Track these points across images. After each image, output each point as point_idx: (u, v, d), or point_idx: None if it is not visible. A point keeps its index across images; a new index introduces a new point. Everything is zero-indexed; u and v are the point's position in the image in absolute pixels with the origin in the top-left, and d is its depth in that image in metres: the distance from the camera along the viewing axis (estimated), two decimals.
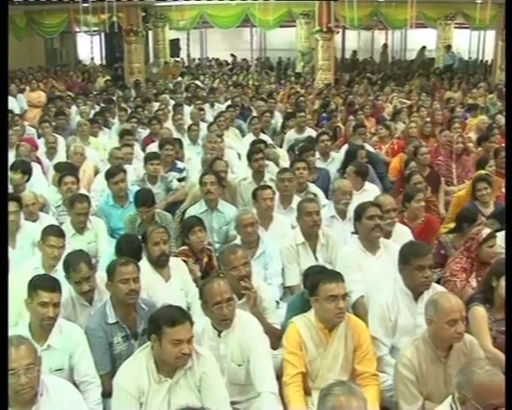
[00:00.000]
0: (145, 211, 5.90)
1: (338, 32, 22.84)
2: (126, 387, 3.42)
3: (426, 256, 4.20)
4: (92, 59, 23.49)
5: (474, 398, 2.91)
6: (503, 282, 4.22)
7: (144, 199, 5.98)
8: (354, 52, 27.48)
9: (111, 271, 4.14)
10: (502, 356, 4.01)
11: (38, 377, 3.19)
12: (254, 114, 11.35)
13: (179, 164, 7.94)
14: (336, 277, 3.94)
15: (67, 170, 6.83)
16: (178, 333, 3.35)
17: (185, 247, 5.46)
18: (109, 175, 6.57)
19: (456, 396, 3.03)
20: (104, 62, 24.41)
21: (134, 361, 3.52)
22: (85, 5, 17.28)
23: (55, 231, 4.92)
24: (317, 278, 3.98)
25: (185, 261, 5.21)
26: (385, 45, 28.06)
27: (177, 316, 3.39)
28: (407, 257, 4.23)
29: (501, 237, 5.63)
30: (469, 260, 5.09)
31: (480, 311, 4.25)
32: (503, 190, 6.86)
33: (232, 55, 27.32)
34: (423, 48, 25.57)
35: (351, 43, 28.05)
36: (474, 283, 5.01)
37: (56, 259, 4.80)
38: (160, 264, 4.89)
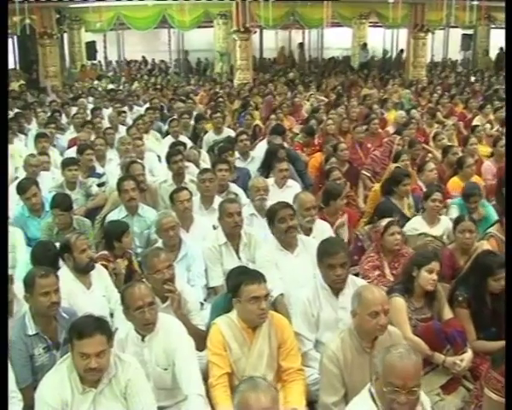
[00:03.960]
0: (59, 214, 5.77)
1: (255, 32, 22.99)
2: (48, 400, 3.34)
3: (337, 255, 4.21)
4: None
5: (382, 376, 3.03)
6: (423, 272, 4.37)
7: (59, 201, 5.86)
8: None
9: (29, 283, 4.01)
10: (421, 343, 4.18)
11: None
12: (174, 116, 11.29)
13: (98, 169, 7.81)
14: (258, 278, 3.94)
15: None
16: (85, 346, 3.28)
17: (105, 251, 5.38)
18: (20, 190, 6.31)
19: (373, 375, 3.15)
20: (18, 66, 23.64)
21: (56, 373, 3.44)
22: None
23: None
24: (239, 279, 3.98)
25: (105, 266, 5.13)
26: (301, 44, 28.47)
27: (86, 328, 3.31)
28: (320, 255, 4.32)
29: (416, 220, 5.94)
30: (380, 255, 5.23)
31: (398, 301, 4.36)
32: (419, 182, 7.13)
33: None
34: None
35: (269, 43, 28.29)
36: (391, 277, 5.12)
37: None
38: (88, 270, 4.82)
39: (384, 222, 5.22)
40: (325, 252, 4.27)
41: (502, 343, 4.18)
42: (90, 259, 4.83)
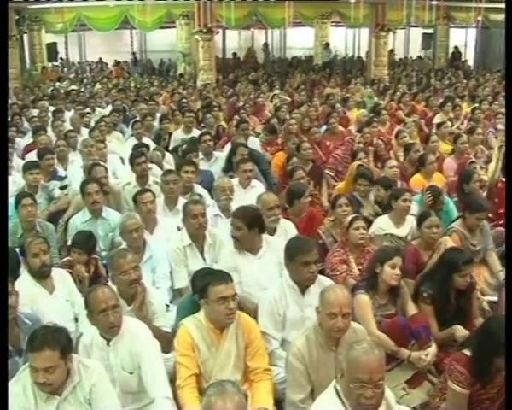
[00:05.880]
0: (29, 203, 5.72)
1: (218, 33, 22.95)
2: (12, 409, 3.26)
3: (311, 252, 4.25)
4: None
5: (347, 372, 3.05)
6: (386, 267, 4.43)
7: (25, 193, 5.87)
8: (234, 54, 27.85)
9: None
10: (387, 339, 4.24)
11: None
12: (138, 117, 11.19)
13: (61, 171, 7.70)
14: (225, 278, 3.95)
15: None
16: (33, 360, 3.23)
17: (69, 257, 5.31)
18: None
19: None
20: None
21: (18, 380, 3.37)
22: None
23: None
24: (206, 280, 3.98)
25: (70, 272, 5.06)
26: (265, 44, 28.52)
27: (35, 342, 3.24)
28: (292, 253, 4.30)
29: (382, 220, 5.97)
30: (346, 249, 5.28)
31: (363, 298, 4.41)
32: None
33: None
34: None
35: (232, 43, 28.27)
36: (356, 271, 5.17)
37: None
38: (42, 275, 4.72)
39: (349, 217, 5.30)
40: (299, 249, 4.26)
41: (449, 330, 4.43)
42: (43, 264, 4.71)
